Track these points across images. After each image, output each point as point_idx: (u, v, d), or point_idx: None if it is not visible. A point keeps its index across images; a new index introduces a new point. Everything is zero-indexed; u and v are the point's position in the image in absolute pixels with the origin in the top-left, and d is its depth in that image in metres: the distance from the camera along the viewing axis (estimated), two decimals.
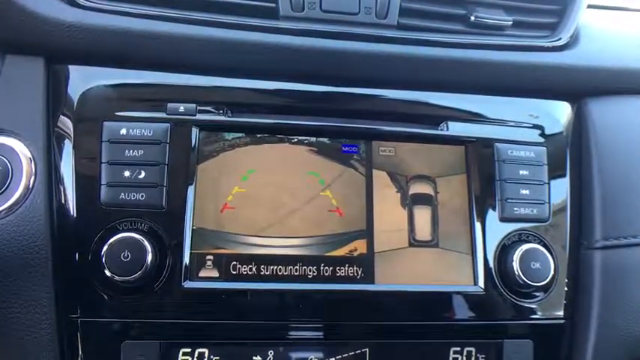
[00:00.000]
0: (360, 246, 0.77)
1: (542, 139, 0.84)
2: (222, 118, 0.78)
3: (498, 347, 0.78)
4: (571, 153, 0.86)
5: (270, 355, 0.74)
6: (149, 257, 0.69)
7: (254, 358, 0.74)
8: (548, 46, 0.86)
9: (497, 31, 0.85)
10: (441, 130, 0.82)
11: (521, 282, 0.76)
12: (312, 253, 0.75)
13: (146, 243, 0.70)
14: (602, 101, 0.88)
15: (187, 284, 0.72)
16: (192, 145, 0.75)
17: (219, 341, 0.73)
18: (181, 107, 0.76)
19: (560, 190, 0.83)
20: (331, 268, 0.75)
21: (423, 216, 0.79)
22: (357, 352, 0.76)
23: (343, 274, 0.75)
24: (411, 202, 0.79)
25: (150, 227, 0.72)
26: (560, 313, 0.80)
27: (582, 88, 0.87)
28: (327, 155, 0.79)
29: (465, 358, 0.77)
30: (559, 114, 0.87)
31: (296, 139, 0.79)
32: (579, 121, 0.87)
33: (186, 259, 0.72)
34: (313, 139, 0.80)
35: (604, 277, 0.80)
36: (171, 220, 0.73)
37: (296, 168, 0.78)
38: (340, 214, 0.77)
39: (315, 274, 0.75)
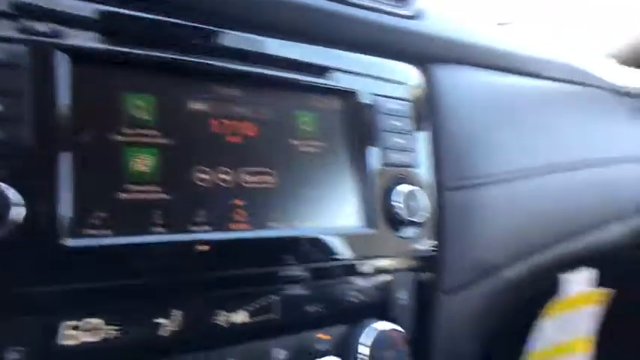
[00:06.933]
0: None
1: (409, 96, 0.93)
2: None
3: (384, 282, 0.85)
4: (428, 110, 0.97)
5: (175, 316, 0.66)
6: (14, 210, 0.54)
7: (155, 320, 0.64)
8: (400, 13, 0.96)
9: None
10: (321, 79, 0.83)
11: (402, 220, 0.83)
12: None
13: (10, 192, 0.54)
14: (446, 68, 1.02)
15: (69, 242, 0.58)
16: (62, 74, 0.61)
17: (112, 307, 0.62)
18: (42, 27, 0.61)
19: (424, 140, 0.94)
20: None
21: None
22: (261, 302, 0.73)
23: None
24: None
25: (14, 171, 0.56)
26: (433, 246, 0.91)
27: (428, 54, 1.00)
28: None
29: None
30: (417, 76, 0.98)
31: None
32: (428, 83, 0.99)
33: (68, 211, 0.59)
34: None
35: (456, 214, 0.94)
36: (45, 163, 0.58)
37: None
38: None
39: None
